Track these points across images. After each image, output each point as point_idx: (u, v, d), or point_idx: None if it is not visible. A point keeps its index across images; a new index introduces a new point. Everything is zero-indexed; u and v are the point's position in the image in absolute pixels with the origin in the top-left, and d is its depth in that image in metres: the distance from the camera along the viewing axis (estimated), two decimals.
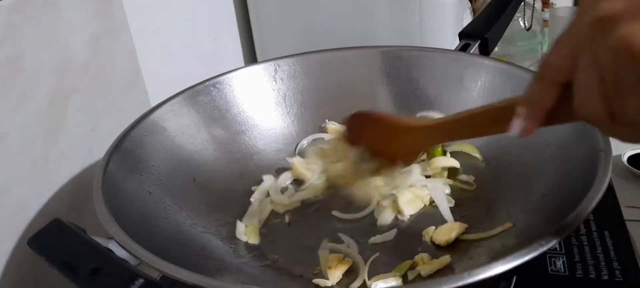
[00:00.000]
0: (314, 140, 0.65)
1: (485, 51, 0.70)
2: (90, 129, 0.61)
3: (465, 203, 0.55)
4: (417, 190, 0.56)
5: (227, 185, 0.59)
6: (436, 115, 0.63)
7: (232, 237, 0.54)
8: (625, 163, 0.67)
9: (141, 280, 0.36)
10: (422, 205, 0.56)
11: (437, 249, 0.50)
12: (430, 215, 0.55)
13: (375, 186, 0.56)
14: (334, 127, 0.65)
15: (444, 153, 0.61)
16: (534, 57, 1.09)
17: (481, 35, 0.70)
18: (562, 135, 0.50)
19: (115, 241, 0.40)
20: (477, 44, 0.69)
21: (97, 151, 0.60)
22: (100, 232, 0.43)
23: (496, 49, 0.76)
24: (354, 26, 0.82)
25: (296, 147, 0.65)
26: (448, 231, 0.51)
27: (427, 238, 0.51)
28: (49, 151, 0.56)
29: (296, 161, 0.62)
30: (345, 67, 0.67)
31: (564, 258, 0.54)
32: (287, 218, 0.56)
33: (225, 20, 0.88)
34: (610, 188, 0.60)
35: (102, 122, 0.62)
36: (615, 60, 0.28)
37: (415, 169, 0.59)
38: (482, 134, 0.44)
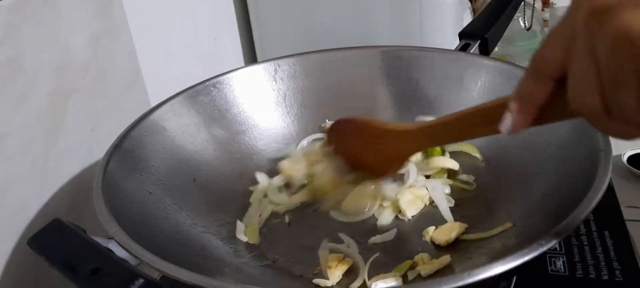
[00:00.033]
0: (314, 140, 0.65)
1: (485, 51, 0.70)
2: (90, 129, 0.61)
3: (465, 203, 0.55)
4: (417, 191, 0.56)
5: (227, 185, 0.59)
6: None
7: (232, 237, 0.54)
8: (625, 163, 0.67)
9: (141, 280, 0.36)
10: (423, 205, 0.56)
11: (437, 249, 0.50)
12: (430, 215, 0.55)
13: (368, 195, 0.56)
14: None
15: (443, 153, 0.61)
16: None
17: (481, 35, 0.70)
18: (562, 135, 0.50)
19: (115, 241, 0.40)
20: (477, 44, 0.69)
21: (97, 151, 0.60)
22: (100, 232, 0.43)
23: (496, 49, 0.76)
24: (354, 26, 0.82)
25: (296, 147, 0.65)
26: (448, 231, 0.51)
27: (427, 238, 0.51)
28: (49, 151, 0.56)
29: (285, 164, 0.61)
30: (345, 67, 0.67)
31: (564, 258, 0.54)
32: (287, 219, 0.56)
33: (225, 20, 0.88)
34: (610, 188, 0.60)
35: (102, 122, 0.62)
36: (613, 50, 0.27)
37: (413, 169, 0.59)
38: (472, 136, 0.44)
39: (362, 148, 0.51)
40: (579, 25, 0.29)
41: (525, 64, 0.37)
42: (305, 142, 0.65)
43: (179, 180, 0.56)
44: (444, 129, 0.43)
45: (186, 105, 0.60)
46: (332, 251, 0.51)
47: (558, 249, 0.55)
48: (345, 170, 0.54)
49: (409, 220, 0.54)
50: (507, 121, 0.35)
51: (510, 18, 0.78)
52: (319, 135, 0.65)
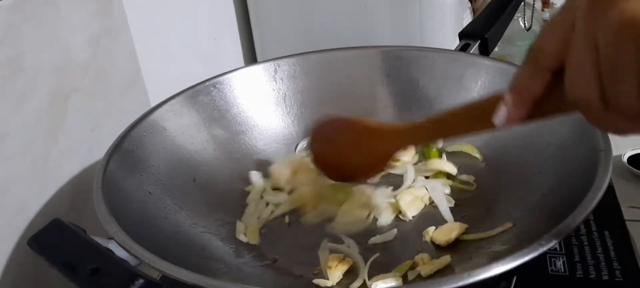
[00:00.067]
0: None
1: (485, 51, 0.70)
2: (90, 129, 0.61)
3: (465, 204, 0.55)
4: (417, 191, 0.56)
5: (227, 185, 0.59)
6: None
7: (232, 237, 0.54)
8: (626, 163, 0.67)
9: (141, 280, 0.36)
10: (423, 206, 0.56)
11: (437, 249, 0.50)
12: (430, 215, 0.55)
13: (361, 204, 0.56)
14: None
15: (440, 156, 0.62)
16: None
17: (481, 35, 0.70)
18: (562, 135, 0.50)
19: (115, 241, 0.40)
20: (477, 44, 0.69)
21: (97, 151, 0.60)
22: (100, 232, 0.43)
23: (496, 49, 0.76)
24: (354, 26, 0.82)
25: (296, 147, 0.65)
26: (448, 231, 0.51)
27: (427, 239, 0.51)
28: (49, 151, 0.56)
29: (274, 168, 0.61)
30: (345, 67, 0.67)
31: (564, 258, 0.54)
32: (287, 219, 0.56)
33: (225, 20, 0.88)
34: (610, 188, 0.60)
35: (102, 122, 0.62)
36: (615, 38, 0.27)
37: (411, 170, 0.59)
38: (465, 132, 0.42)
39: (346, 148, 0.50)
40: (580, 13, 0.29)
41: None
42: (305, 142, 0.65)
43: (179, 180, 0.56)
44: (434, 126, 0.43)
45: (186, 105, 0.60)
46: (332, 251, 0.51)
47: (558, 249, 0.55)
48: (327, 175, 0.53)
49: (409, 220, 0.54)
50: (501, 113, 0.35)
51: (510, 18, 0.78)
52: None
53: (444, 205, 0.55)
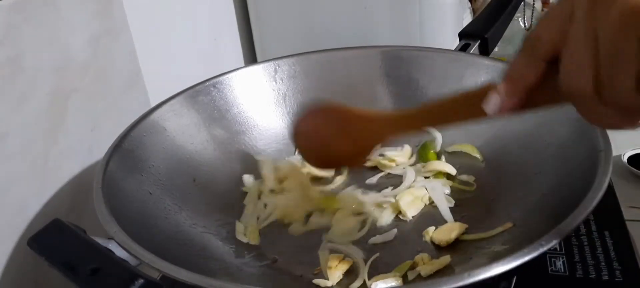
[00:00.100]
0: None
1: (485, 51, 0.70)
2: (90, 129, 0.61)
3: (465, 204, 0.55)
4: (416, 191, 0.56)
5: (227, 185, 0.59)
6: (431, 129, 0.63)
7: (232, 237, 0.54)
8: (626, 163, 0.67)
9: (141, 280, 0.36)
10: (423, 206, 0.56)
11: (437, 249, 0.50)
12: (430, 215, 0.55)
13: (353, 211, 0.55)
14: None
15: (439, 157, 0.61)
16: None
17: (481, 35, 0.70)
18: (562, 135, 0.50)
19: (115, 241, 0.40)
20: (477, 44, 0.69)
21: (97, 151, 0.60)
22: (100, 232, 0.43)
23: (496, 49, 0.76)
24: (354, 26, 0.82)
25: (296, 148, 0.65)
26: (448, 231, 0.51)
27: (427, 239, 0.51)
28: (49, 151, 0.56)
29: (264, 173, 0.61)
30: (345, 67, 0.67)
31: (564, 259, 0.54)
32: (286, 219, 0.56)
33: (225, 20, 0.88)
34: (610, 188, 0.60)
35: (102, 122, 0.62)
36: (616, 27, 0.27)
37: (410, 171, 0.59)
38: (456, 121, 0.41)
39: (332, 134, 0.48)
40: (580, 3, 0.29)
41: None
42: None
43: (179, 180, 0.56)
44: (424, 114, 0.42)
45: (186, 105, 0.60)
46: (332, 251, 0.51)
47: (558, 249, 0.55)
48: (312, 163, 0.51)
49: (409, 220, 0.54)
50: (493, 101, 0.34)
51: (510, 18, 0.78)
52: None
53: (444, 205, 0.55)
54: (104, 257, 0.39)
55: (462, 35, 0.71)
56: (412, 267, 0.48)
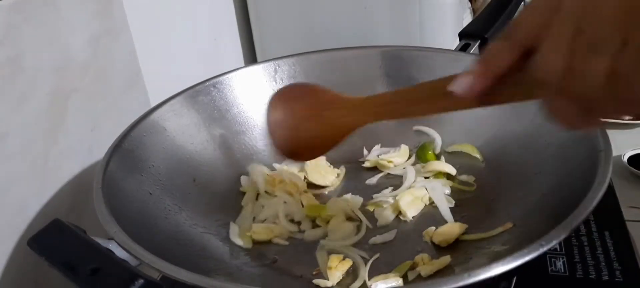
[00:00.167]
0: None
1: None
2: (90, 129, 0.61)
3: (465, 204, 0.55)
4: (416, 191, 0.56)
5: (227, 186, 0.59)
6: (430, 131, 0.63)
7: None
8: (626, 163, 0.67)
9: (141, 281, 0.36)
10: (423, 206, 0.56)
11: (437, 249, 0.50)
12: (430, 215, 0.55)
13: (345, 212, 0.55)
14: None
15: (438, 158, 0.61)
16: None
17: (481, 35, 0.70)
18: (562, 135, 0.50)
19: (115, 241, 0.40)
20: (477, 44, 0.69)
21: (97, 151, 0.60)
22: (100, 232, 0.43)
23: None
24: (354, 26, 0.82)
25: None
26: (448, 231, 0.51)
27: (427, 239, 0.51)
28: (49, 151, 0.56)
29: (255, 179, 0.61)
30: (345, 67, 0.67)
31: (564, 259, 0.54)
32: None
33: (225, 20, 0.88)
34: (610, 188, 0.60)
35: (102, 122, 0.62)
36: (606, 22, 0.27)
37: (411, 171, 0.59)
38: (428, 110, 0.40)
39: (306, 117, 0.47)
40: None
41: None
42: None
43: (179, 180, 0.56)
44: (398, 99, 0.41)
45: (186, 105, 0.60)
46: (332, 251, 0.51)
47: (558, 249, 0.55)
48: (281, 149, 0.49)
49: (409, 220, 0.54)
50: (461, 80, 0.34)
51: (510, 18, 0.78)
52: None
53: (444, 206, 0.55)
54: (104, 257, 0.39)
55: (462, 35, 0.71)
56: (412, 267, 0.48)
